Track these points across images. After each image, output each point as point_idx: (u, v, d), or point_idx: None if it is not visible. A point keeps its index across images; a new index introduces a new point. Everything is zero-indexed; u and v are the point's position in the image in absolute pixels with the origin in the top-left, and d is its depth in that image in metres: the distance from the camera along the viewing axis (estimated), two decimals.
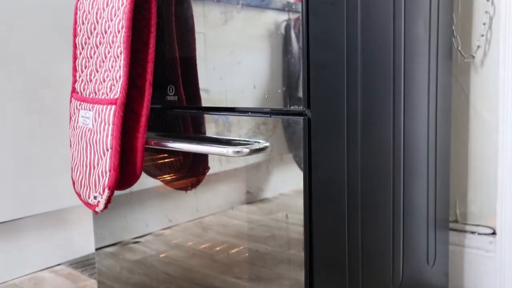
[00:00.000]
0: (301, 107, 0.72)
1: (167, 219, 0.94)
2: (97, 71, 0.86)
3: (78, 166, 0.89)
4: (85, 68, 0.89)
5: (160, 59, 0.88)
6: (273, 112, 0.76)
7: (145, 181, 0.95)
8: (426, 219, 0.99)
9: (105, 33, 0.83)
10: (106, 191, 0.82)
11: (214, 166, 0.85)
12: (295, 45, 0.72)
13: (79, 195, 0.90)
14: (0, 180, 1.19)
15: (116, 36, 0.81)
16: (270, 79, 0.75)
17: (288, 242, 0.75)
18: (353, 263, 0.82)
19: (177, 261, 0.93)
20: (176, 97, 0.87)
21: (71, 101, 0.92)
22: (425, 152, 0.97)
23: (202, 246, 0.88)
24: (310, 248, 0.74)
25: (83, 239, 1.39)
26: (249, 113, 0.79)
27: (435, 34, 0.97)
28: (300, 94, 0.72)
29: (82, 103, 0.88)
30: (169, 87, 0.88)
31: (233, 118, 0.80)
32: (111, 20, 0.82)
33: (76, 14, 0.90)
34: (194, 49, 0.84)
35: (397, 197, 0.90)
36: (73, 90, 0.91)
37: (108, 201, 0.83)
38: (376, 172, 0.85)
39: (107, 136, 0.82)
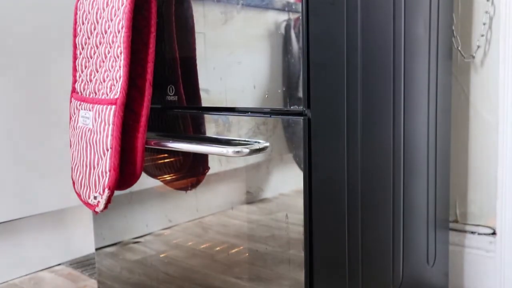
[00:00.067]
0: (301, 107, 0.72)
1: (167, 219, 0.94)
2: (97, 71, 0.86)
3: (78, 166, 0.89)
4: (85, 68, 0.89)
5: (160, 59, 0.88)
6: (273, 112, 0.76)
7: (145, 181, 0.95)
8: (426, 219, 0.99)
9: (105, 33, 0.83)
10: (106, 191, 0.82)
11: (214, 166, 0.85)
12: (295, 45, 0.72)
13: (79, 195, 0.90)
14: (0, 180, 1.19)
15: (116, 36, 0.81)
16: (270, 79, 0.75)
17: (288, 242, 0.75)
18: (353, 263, 0.82)
19: (177, 261, 0.93)
20: (176, 97, 0.87)
21: (71, 101, 0.92)
22: (425, 152, 0.97)
23: (202, 246, 0.88)
24: (310, 248, 0.74)
25: (83, 239, 1.39)
26: (249, 113, 0.79)
27: (435, 34, 0.97)
28: (300, 94, 0.72)
29: (82, 103, 0.88)
30: (169, 87, 0.88)
31: (233, 118, 0.80)
32: (111, 20, 0.82)
33: (76, 14, 0.90)
34: (194, 49, 0.84)
35: (397, 197, 0.90)
36: (73, 90, 0.91)
37: (108, 201, 0.83)
38: (376, 172, 0.85)
39: (107, 136, 0.82)
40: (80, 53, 0.89)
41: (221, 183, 0.84)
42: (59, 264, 1.35)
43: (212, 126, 0.83)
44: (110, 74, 0.83)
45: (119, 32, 0.81)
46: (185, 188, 0.90)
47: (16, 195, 1.22)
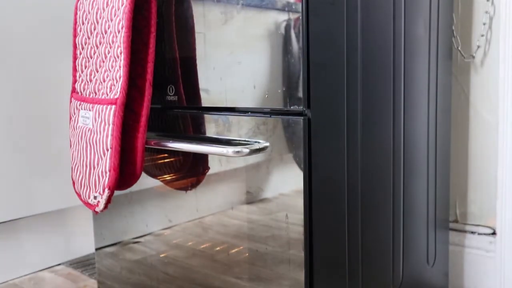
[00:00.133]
0: (301, 107, 0.72)
1: (167, 219, 0.94)
2: (97, 71, 0.86)
3: (78, 166, 0.89)
4: (85, 68, 0.89)
5: (160, 59, 0.88)
6: (273, 112, 0.76)
7: (145, 181, 0.95)
8: (426, 219, 0.99)
9: (105, 33, 0.83)
10: (106, 191, 0.82)
11: (214, 166, 0.85)
12: (295, 45, 0.72)
13: (79, 195, 0.90)
14: (0, 180, 1.19)
15: (116, 36, 0.81)
16: (270, 79, 0.75)
17: (288, 242, 0.75)
18: (353, 263, 0.82)
19: (177, 261, 0.93)
20: (176, 97, 0.87)
21: (71, 101, 0.92)
22: (425, 152, 0.97)
23: (202, 246, 0.88)
24: (310, 248, 0.74)
25: (83, 239, 1.39)
26: (249, 113, 0.79)
27: (435, 34, 0.97)
28: (300, 94, 0.72)
29: (82, 103, 0.88)
30: (169, 87, 0.88)
31: (233, 118, 0.80)
32: (111, 20, 0.82)
33: (76, 14, 0.90)
34: (194, 49, 0.84)
35: (397, 197, 0.90)
36: (73, 90, 0.91)
37: (108, 201, 0.83)
38: (376, 172, 0.85)
39: (107, 136, 0.82)
40: (80, 53, 0.89)
41: (221, 183, 0.84)
42: (59, 264, 1.35)
43: (212, 126, 0.83)
44: (110, 74, 0.83)
45: (119, 32, 0.81)
46: (185, 188, 0.90)
47: (16, 195, 1.22)
